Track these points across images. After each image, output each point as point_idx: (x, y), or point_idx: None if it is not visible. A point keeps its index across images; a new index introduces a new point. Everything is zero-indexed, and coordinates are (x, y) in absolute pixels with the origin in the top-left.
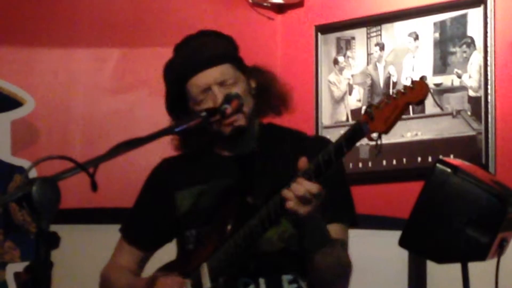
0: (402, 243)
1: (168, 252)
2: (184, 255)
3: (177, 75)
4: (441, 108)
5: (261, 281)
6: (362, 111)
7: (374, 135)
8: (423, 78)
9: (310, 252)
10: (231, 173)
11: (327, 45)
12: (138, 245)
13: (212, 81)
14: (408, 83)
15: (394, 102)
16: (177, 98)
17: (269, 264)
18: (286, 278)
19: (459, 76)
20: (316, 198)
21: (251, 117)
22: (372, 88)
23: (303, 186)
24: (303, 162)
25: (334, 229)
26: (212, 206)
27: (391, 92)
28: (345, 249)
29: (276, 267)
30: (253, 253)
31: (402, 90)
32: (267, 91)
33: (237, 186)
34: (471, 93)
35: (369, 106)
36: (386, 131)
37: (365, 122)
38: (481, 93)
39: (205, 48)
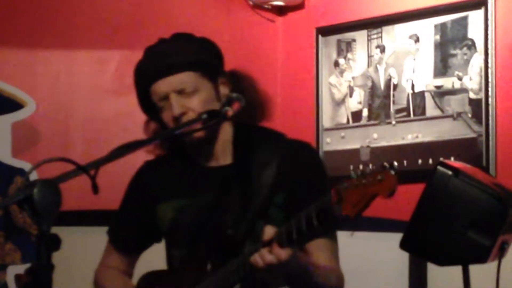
0: (403, 245)
1: (159, 252)
2: (170, 273)
3: (140, 81)
4: (442, 111)
5: None
6: (363, 113)
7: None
8: (392, 169)
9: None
10: (210, 187)
11: (328, 47)
12: (123, 250)
13: (170, 90)
14: (380, 169)
15: (364, 189)
16: (146, 101)
17: (257, 280)
18: None
19: (460, 78)
20: (285, 263)
21: (216, 127)
22: (372, 90)
23: (272, 254)
24: (268, 231)
25: (319, 244)
26: (192, 225)
27: (362, 174)
28: (334, 262)
29: (265, 283)
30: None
31: (372, 179)
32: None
33: (215, 203)
34: (472, 95)
35: (338, 187)
36: (354, 217)
37: (335, 205)
38: (481, 95)
39: (167, 55)
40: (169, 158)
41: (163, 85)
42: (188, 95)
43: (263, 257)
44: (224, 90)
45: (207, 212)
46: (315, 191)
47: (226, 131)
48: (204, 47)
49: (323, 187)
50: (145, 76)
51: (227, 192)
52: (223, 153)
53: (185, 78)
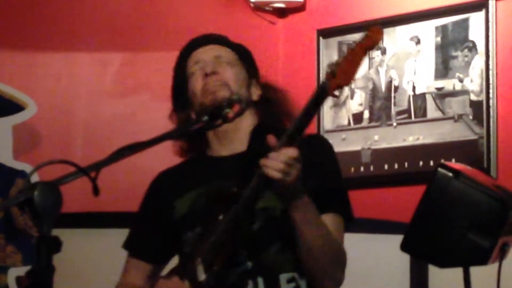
0: (404, 247)
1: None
2: (183, 258)
3: (180, 57)
4: (443, 112)
5: (259, 280)
6: (364, 115)
7: (337, 92)
8: (376, 24)
9: (291, 211)
10: (226, 173)
11: (329, 49)
12: (142, 256)
13: (207, 55)
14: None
15: (352, 53)
16: (180, 87)
17: (267, 263)
18: (284, 277)
19: (461, 80)
20: (296, 161)
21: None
22: (373, 92)
23: (281, 152)
24: (272, 138)
25: (326, 219)
26: (206, 208)
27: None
28: (338, 232)
29: (274, 266)
30: (250, 252)
31: (357, 41)
32: (270, 107)
33: (231, 186)
34: (473, 97)
35: (329, 65)
36: (347, 82)
37: (327, 80)
38: (482, 97)
39: (209, 34)
40: (182, 162)
41: (202, 51)
42: (223, 64)
43: (270, 156)
44: (255, 90)
45: (222, 194)
46: (327, 169)
47: (248, 123)
48: (244, 48)
49: (334, 167)
50: (185, 50)
51: (242, 175)
52: (241, 142)
53: (223, 50)
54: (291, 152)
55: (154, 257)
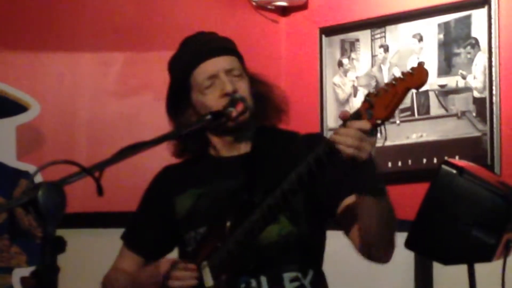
0: (408, 244)
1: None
2: (184, 257)
3: (184, 65)
4: (446, 110)
5: (263, 279)
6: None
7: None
8: (421, 64)
9: (365, 195)
10: (228, 175)
11: (332, 47)
12: (138, 250)
13: (220, 68)
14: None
15: (394, 89)
16: (180, 92)
17: (270, 262)
18: (287, 276)
19: (464, 77)
20: (370, 135)
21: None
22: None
23: (355, 125)
24: (343, 113)
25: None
26: (211, 208)
27: (390, 80)
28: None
29: (277, 265)
30: (254, 251)
31: (401, 76)
32: (264, 101)
33: (234, 188)
34: (476, 94)
35: (368, 94)
36: (387, 118)
37: (365, 110)
38: (485, 94)
39: (213, 40)
40: (187, 160)
41: (214, 64)
42: (235, 78)
43: (343, 132)
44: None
45: (225, 195)
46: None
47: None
48: (233, 43)
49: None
50: (192, 59)
51: (246, 176)
52: (244, 144)
53: (233, 61)
54: (363, 124)
55: (149, 253)
